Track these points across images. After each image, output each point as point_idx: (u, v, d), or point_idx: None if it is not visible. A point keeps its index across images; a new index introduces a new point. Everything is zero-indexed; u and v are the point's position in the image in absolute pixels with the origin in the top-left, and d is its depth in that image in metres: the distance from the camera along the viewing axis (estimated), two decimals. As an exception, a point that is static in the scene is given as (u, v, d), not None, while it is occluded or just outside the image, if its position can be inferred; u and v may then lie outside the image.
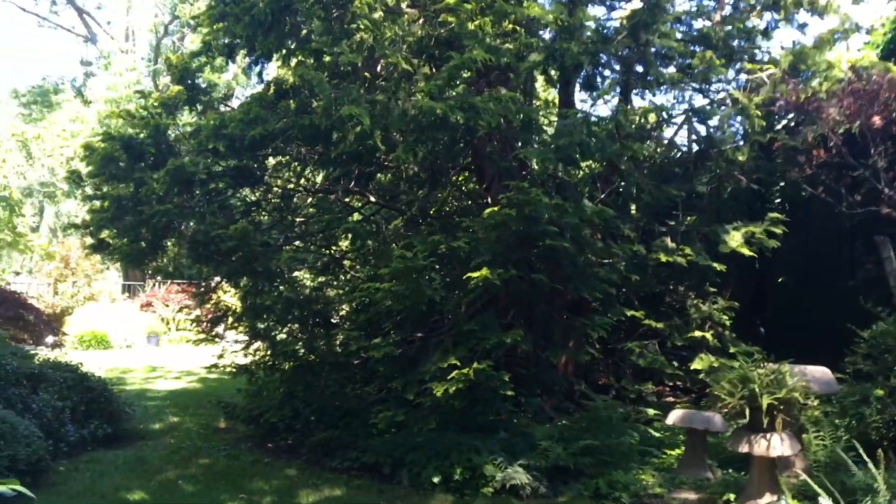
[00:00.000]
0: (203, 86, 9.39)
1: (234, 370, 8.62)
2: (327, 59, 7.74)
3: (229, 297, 9.99)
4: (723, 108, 8.97)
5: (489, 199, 8.15)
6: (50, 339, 17.60)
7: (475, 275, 6.22)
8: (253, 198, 8.84)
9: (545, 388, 8.15)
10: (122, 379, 12.21)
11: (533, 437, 6.82)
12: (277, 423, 7.84)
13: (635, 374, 8.70)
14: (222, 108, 9.35)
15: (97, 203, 7.77)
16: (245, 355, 8.74)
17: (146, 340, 17.76)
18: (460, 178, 9.95)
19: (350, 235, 8.30)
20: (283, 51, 8.13)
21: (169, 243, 7.99)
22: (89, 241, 8.35)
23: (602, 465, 6.52)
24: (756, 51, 9.33)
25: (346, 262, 9.44)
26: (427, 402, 6.45)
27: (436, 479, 6.35)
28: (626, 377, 8.63)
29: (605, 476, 6.38)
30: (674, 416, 6.79)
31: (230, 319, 8.91)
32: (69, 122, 19.60)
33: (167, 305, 18.78)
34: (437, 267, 7.19)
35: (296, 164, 9.08)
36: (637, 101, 9.33)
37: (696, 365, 7.84)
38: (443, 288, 6.83)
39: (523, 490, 6.20)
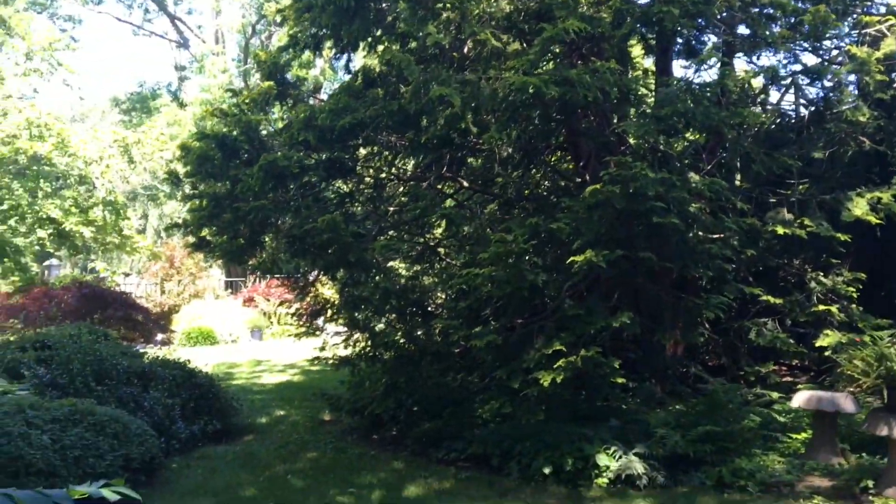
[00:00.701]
0: (292, 80, 9.39)
1: (335, 362, 8.61)
2: (413, 44, 7.58)
3: (328, 290, 10.00)
4: (835, 66, 8.33)
5: (586, 178, 7.82)
6: (159, 336, 18.25)
7: (579, 258, 5.94)
8: (346, 189, 8.78)
9: (655, 372, 7.79)
10: (229, 374, 12.47)
11: (647, 424, 6.50)
12: (381, 415, 7.79)
13: (752, 355, 8.21)
14: (311, 102, 9.33)
15: (195, 202, 7.85)
16: (346, 347, 8.71)
17: (250, 335, 18.15)
18: (555, 158, 9.64)
19: (444, 222, 8.14)
20: (369, 38, 8.02)
21: (267, 239, 8.01)
22: (190, 239, 8.47)
23: (723, 452, 6.15)
24: (870, 2, 8.63)
25: (441, 250, 9.29)
26: (533, 391, 6.21)
27: (547, 471, 6.12)
28: (742, 358, 8.15)
29: (728, 464, 6.02)
30: (800, 398, 6.34)
31: (329, 312, 8.91)
32: (167, 126, 20.23)
33: (268, 300, 19.14)
34: (537, 250, 6.94)
35: (386, 153, 8.97)
36: (739, 66, 8.79)
37: (822, 342, 7.30)
38: (543, 271, 6.56)
39: (640, 480, 5.90)
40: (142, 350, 8.78)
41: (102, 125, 22.08)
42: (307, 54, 10.61)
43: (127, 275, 24.82)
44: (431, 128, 7.19)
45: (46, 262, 20.21)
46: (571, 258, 6.06)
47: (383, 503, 5.77)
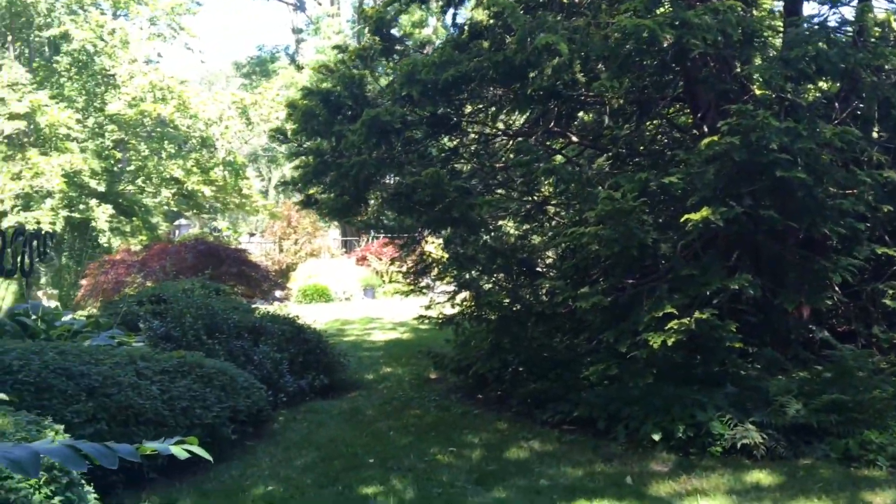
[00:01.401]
0: (398, 36, 9.25)
1: (441, 321, 8.55)
2: (521, -8, 7.26)
3: (434, 249, 9.94)
4: None
5: (704, 130, 7.32)
6: (278, 293, 18.87)
7: (694, 216, 5.55)
8: (450, 145, 8.61)
9: (777, 337, 7.28)
10: (341, 330, 12.70)
11: (766, 391, 6.08)
12: (486, 374, 7.68)
13: (887, 320, 7.55)
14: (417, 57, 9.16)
15: (302, 159, 7.89)
16: (451, 306, 8.63)
17: (363, 293, 18.47)
18: (672, 111, 9.11)
19: (552, 179, 7.85)
20: (475, -12, 7.75)
21: (371, 196, 7.98)
22: (298, 197, 8.55)
23: (851, 423, 5.67)
24: None
25: (550, 208, 9.00)
26: (642, 353, 5.91)
27: (656, 437, 5.84)
28: (875, 323, 7.50)
29: (856, 436, 5.55)
30: (942, 369, 5.76)
31: (436, 270, 8.83)
32: (284, 88, 20.65)
33: (380, 259, 19.40)
34: (648, 207, 6.56)
35: (492, 107, 8.72)
36: (879, 5, 7.94)
37: (968, 308, 6.61)
38: (655, 230, 6.21)
39: (757, 450, 5.54)
40: (255, 306, 8.99)
41: (228, 90, 22.76)
42: (419, 14, 10.41)
43: (252, 234, 25.77)
44: (538, 79, 6.89)
45: (176, 222, 21.20)
46: (686, 216, 5.68)
47: (484, 464, 5.66)
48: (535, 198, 8.91)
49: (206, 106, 17.73)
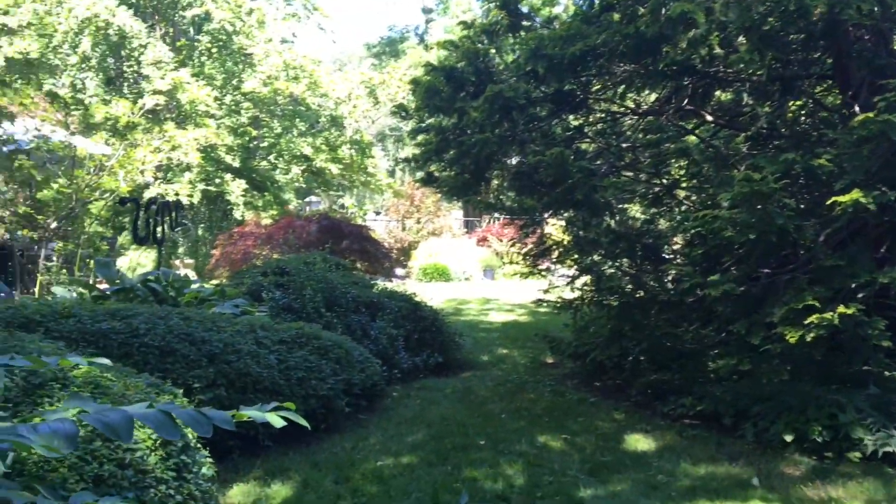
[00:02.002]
0: (526, 12, 9.01)
1: (559, 305, 8.33)
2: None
3: (555, 231, 9.70)
4: None
5: (856, 109, 6.72)
6: (399, 270, 19.13)
7: (843, 199, 5.08)
8: (575, 124, 8.33)
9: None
10: (459, 310, 12.68)
11: (916, 396, 5.54)
12: (604, 362, 7.41)
13: None
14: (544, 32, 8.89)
15: (423, 136, 7.83)
16: (571, 290, 8.40)
17: (482, 273, 18.43)
18: (820, 90, 8.44)
19: (684, 160, 7.45)
20: (607, -43, 7.40)
21: (492, 174, 7.83)
22: (419, 174, 8.52)
23: None
24: None
25: (680, 192, 8.56)
26: (776, 348, 5.49)
27: (788, 437, 5.43)
28: None
29: None
30: None
31: (556, 253, 8.61)
32: (411, 68, 20.79)
33: (501, 240, 19.28)
34: (789, 191, 6.09)
35: (621, 84, 8.36)
36: None
37: None
38: (797, 215, 5.74)
39: (902, 460, 5.05)
40: (373, 281, 9.07)
41: (358, 70, 23.17)
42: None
43: (377, 212, 26.22)
44: (671, 53, 6.52)
45: (307, 198, 21.84)
46: (833, 199, 5.21)
47: (598, 454, 5.44)
48: (664, 180, 8.50)
49: (336, 85, 18.07)
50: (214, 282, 8.94)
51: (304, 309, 6.83)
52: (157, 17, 17.98)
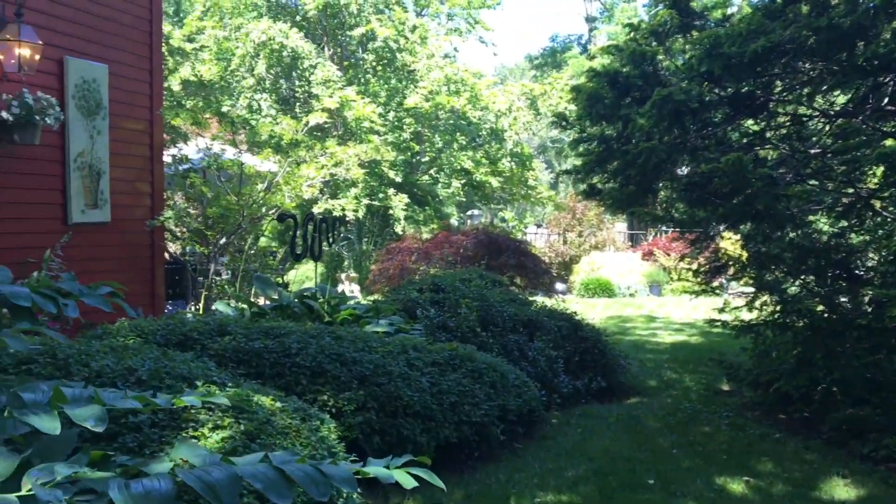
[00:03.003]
0: (697, 10, 8.38)
1: (736, 327, 7.59)
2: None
3: (730, 245, 8.94)
4: None
5: None
6: (559, 285, 18.62)
7: None
8: (755, 129, 7.59)
9: None
10: (622, 328, 12.05)
11: None
12: (790, 392, 6.64)
13: None
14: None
15: (584, 146, 7.40)
16: (749, 310, 7.65)
17: (648, 289, 17.59)
18: None
19: (883, 167, 6.57)
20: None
21: (659, 185, 7.26)
22: (581, 187, 8.08)
23: None
24: None
25: (876, 203, 7.59)
26: None
27: None
28: None
29: None
30: None
31: (731, 270, 7.91)
32: (573, 78, 20.31)
33: (668, 254, 18.34)
34: None
35: (808, 85, 7.54)
36: None
37: None
38: None
39: None
40: (532, 298, 8.71)
41: (519, 82, 22.97)
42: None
43: (538, 225, 25.86)
44: (870, 47, 5.74)
45: (469, 212, 21.83)
46: None
47: (787, 502, 4.78)
48: (858, 189, 7.58)
49: (497, 97, 17.91)
50: (373, 297, 8.93)
51: (458, 327, 6.58)
52: (326, 38, 18.61)
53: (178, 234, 8.86)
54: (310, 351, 4.77)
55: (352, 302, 7.01)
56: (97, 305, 2.25)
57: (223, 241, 8.78)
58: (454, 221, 20.46)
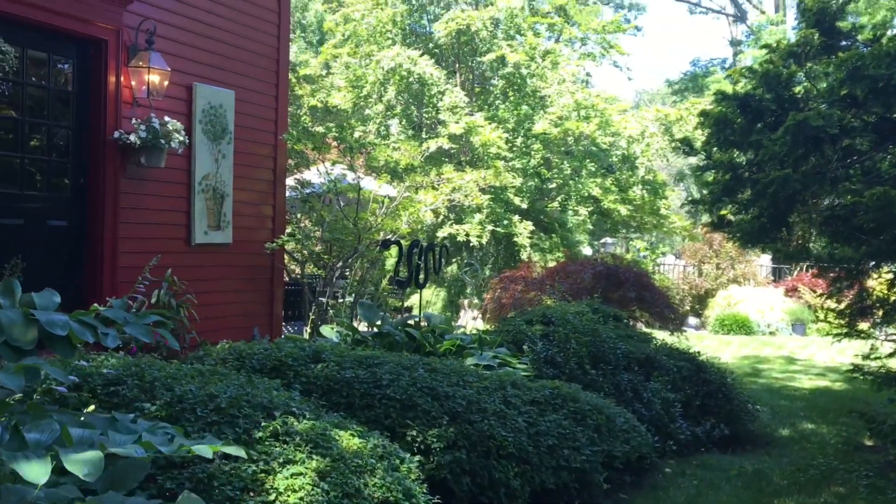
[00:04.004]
0: (844, 30, 7.72)
1: (883, 375, 6.83)
2: None
3: (879, 285, 8.10)
4: None
5: None
6: (693, 320, 17.71)
7: None
8: (907, 158, 6.85)
9: None
10: (757, 370, 11.23)
11: None
12: (944, 456, 5.87)
13: None
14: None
15: (712, 174, 6.92)
16: (899, 358, 6.89)
17: (790, 328, 16.42)
18: None
19: None
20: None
21: (794, 218, 6.67)
22: (707, 218, 7.58)
23: None
24: None
25: None
26: None
27: None
28: None
29: None
30: None
31: (881, 312, 7.17)
32: (711, 103, 19.42)
33: (814, 290, 17.05)
34: None
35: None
36: None
37: None
38: None
39: None
40: (652, 334, 8.21)
41: (654, 107, 22.26)
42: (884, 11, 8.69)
43: (677, 256, 24.84)
44: None
45: (602, 240, 21.24)
46: None
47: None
48: None
49: (628, 123, 17.38)
50: (483, 326, 8.73)
51: (566, 363, 6.25)
52: (457, 64, 18.73)
53: (298, 256, 9.02)
54: (401, 383, 4.61)
55: (459, 331, 6.83)
56: (138, 336, 2.16)
57: (340, 264, 8.85)
58: (587, 250, 19.94)
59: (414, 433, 4.39)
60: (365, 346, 5.75)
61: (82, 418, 2.07)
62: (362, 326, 7.35)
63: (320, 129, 9.14)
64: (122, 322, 2.17)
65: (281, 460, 3.27)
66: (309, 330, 7.88)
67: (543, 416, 4.96)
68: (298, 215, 9.09)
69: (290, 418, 3.58)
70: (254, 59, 8.39)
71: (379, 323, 6.39)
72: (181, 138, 6.94)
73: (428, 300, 16.67)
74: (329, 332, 6.22)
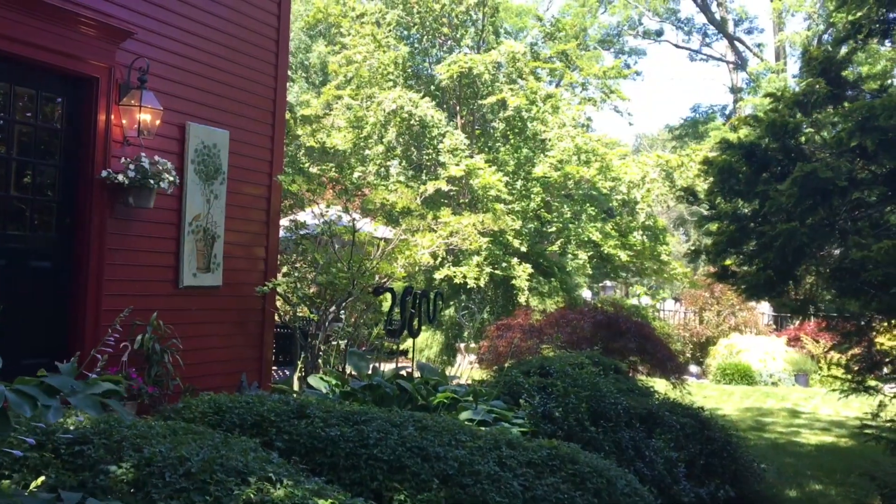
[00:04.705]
0: (851, 80, 7.60)
1: (891, 438, 6.57)
2: None
3: (887, 340, 7.87)
4: None
5: None
6: (694, 368, 17.40)
7: None
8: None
9: None
10: (761, 423, 10.94)
11: None
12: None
13: None
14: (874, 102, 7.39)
15: (716, 224, 6.73)
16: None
17: (793, 378, 16.12)
18: None
19: None
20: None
21: (801, 271, 6.46)
22: (711, 269, 7.37)
23: None
24: None
25: None
26: None
27: None
28: None
29: None
30: None
31: (888, 368, 6.94)
32: (712, 150, 19.36)
33: (817, 341, 16.80)
34: None
35: None
36: None
37: None
38: None
39: None
40: (653, 384, 7.94)
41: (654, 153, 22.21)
42: (883, 62, 8.63)
43: (676, 300, 24.60)
44: None
45: (602, 284, 21.02)
46: None
47: None
48: None
49: (629, 168, 17.28)
50: (479, 376, 8.47)
51: (565, 419, 5.97)
52: (458, 107, 18.69)
53: (291, 300, 8.78)
54: (389, 442, 4.35)
55: (454, 382, 6.57)
56: (84, 408, 1.93)
57: (333, 308, 8.61)
58: (586, 293, 19.70)
59: (402, 497, 4.12)
60: (354, 400, 5.49)
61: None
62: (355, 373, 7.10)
63: (316, 170, 8.97)
64: (67, 392, 1.94)
65: (253, 534, 3.01)
66: (298, 377, 7.62)
67: (540, 479, 4.68)
68: (293, 257, 8.87)
69: (266, 485, 3.32)
70: (250, 98, 8.25)
71: (369, 373, 6.14)
72: (171, 178, 6.76)
73: (425, 343, 16.39)
74: (317, 382, 5.96)
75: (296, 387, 7.52)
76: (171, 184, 6.81)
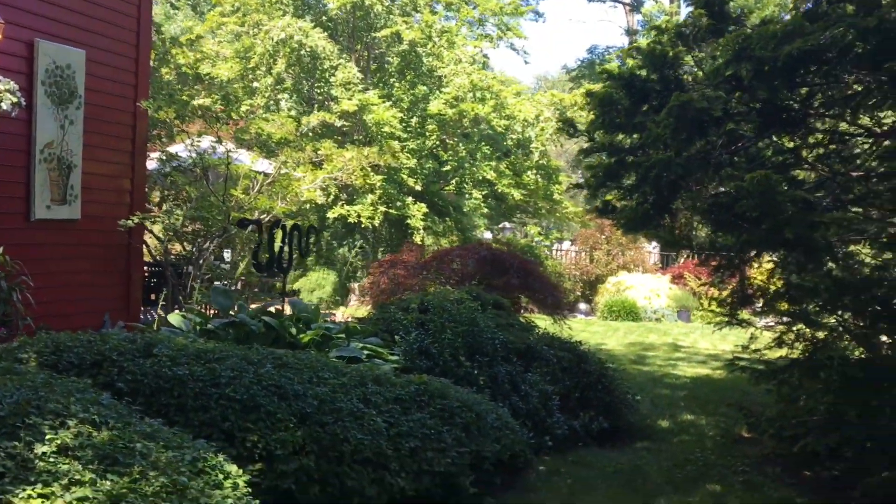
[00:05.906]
0: (733, 14, 7.57)
1: (761, 369, 6.74)
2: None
3: (758, 275, 8.09)
4: None
5: None
6: (583, 306, 17.76)
7: None
8: (790, 146, 6.76)
9: None
10: (642, 357, 11.21)
11: None
12: (818, 449, 5.79)
13: None
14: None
15: (595, 158, 6.65)
16: (780, 346, 6.82)
17: (675, 314, 16.66)
18: None
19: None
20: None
21: (678, 205, 6.46)
22: (592, 203, 7.32)
23: None
24: None
25: (927, 233, 6.72)
26: None
27: None
28: None
29: None
30: None
31: (760, 301, 7.10)
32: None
33: (699, 278, 17.36)
34: None
35: (853, 99, 6.68)
36: None
37: None
38: None
39: None
40: (536, 321, 7.93)
41: (549, 92, 22.16)
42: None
43: (573, 241, 24.95)
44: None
45: (501, 225, 21.00)
46: None
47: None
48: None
49: (524, 106, 17.16)
50: (359, 313, 8.25)
51: (441, 355, 5.85)
52: (353, 41, 18.04)
53: (161, 235, 8.28)
54: (244, 381, 4.08)
55: (329, 319, 6.33)
56: None
57: (208, 244, 8.17)
58: (486, 234, 19.67)
59: (255, 438, 3.88)
60: (214, 339, 5.17)
61: None
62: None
63: (199, 102, 8.38)
64: None
65: (65, 482, 2.70)
66: (160, 316, 7.20)
67: (407, 415, 4.54)
68: (164, 191, 8.34)
69: (88, 428, 3.02)
70: (110, 15, 7.59)
71: (234, 311, 5.82)
72: (15, 99, 6.10)
73: (317, 283, 16.05)
74: (178, 320, 5.60)
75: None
76: (16, 105, 6.15)
